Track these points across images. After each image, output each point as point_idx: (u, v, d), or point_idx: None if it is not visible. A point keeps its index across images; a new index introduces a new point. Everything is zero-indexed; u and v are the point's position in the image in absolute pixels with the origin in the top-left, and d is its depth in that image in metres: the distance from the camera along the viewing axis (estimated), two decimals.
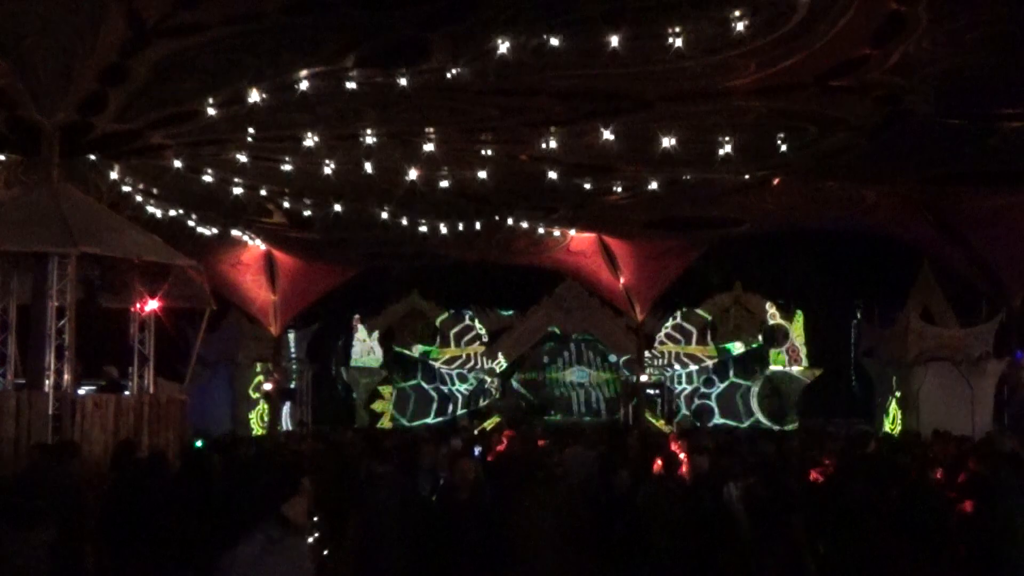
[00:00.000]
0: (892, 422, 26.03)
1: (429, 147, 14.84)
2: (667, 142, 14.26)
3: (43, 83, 11.80)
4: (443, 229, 21.04)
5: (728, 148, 14.65)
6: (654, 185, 17.38)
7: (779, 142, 14.67)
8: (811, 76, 11.65)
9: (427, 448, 11.29)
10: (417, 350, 32.46)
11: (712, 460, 10.37)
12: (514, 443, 13.69)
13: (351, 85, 11.82)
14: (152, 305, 13.68)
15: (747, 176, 17.12)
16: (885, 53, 11.00)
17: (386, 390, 32.49)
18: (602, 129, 13.86)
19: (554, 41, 10.49)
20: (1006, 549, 8.43)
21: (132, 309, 13.92)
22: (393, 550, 8.09)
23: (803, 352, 30.99)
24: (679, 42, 10.44)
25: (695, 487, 9.58)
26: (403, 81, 11.62)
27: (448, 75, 11.41)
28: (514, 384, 32.74)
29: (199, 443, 15.11)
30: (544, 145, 14.77)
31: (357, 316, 32.09)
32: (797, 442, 16.18)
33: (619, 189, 18.05)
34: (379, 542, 8.18)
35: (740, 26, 10.05)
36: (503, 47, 10.60)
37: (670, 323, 31.12)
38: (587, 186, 17.59)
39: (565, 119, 13.69)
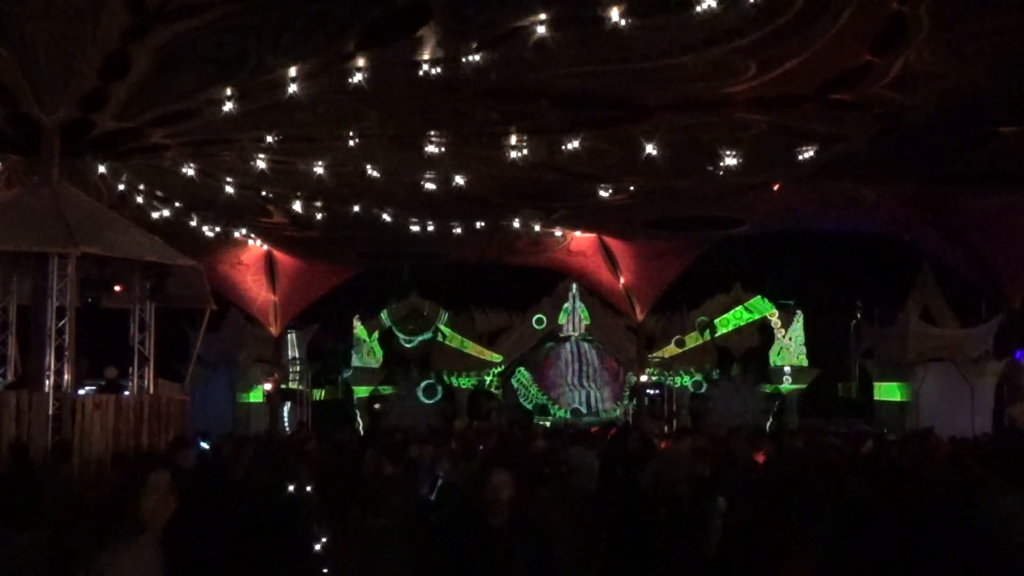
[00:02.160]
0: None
1: (430, 148, 14.83)
2: (666, 154, 14.25)
3: (44, 75, 11.77)
4: (442, 229, 21.05)
5: (728, 161, 14.63)
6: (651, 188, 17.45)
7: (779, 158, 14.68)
8: (812, 86, 11.56)
9: (425, 448, 11.30)
10: (416, 341, 32.44)
11: (714, 469, 10.32)
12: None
13: (352, 80, 11.75)
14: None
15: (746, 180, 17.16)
16: (886, 62, 10.93)
17: (387, 390, 32.52)
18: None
19: (551, 17, 10.33)
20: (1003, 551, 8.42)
21: (132, 309, 13.95)
22: (400, 556, 7.98)
23: (803, 352, 31.01)
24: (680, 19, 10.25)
25: (695, 494, 9.54)
26: (405, 73, 11.52)
27: (449, 67, 11.31)
28: (514, 384, 32.73)
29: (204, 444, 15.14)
30: (545, 152, 14.77)
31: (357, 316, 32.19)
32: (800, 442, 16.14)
33: (619, 191, 18.07)
34: (384, 547, 8.10)
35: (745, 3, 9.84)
36: (502, 24, 10.44)
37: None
38: (587, 187, 17.61)
39: (565, 127, 13.64)
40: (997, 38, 10.43)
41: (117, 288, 13.41)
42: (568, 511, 8.45)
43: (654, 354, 29.79)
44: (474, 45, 10.89)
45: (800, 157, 14.65)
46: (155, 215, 18.51)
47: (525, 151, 14.77)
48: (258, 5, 10.27)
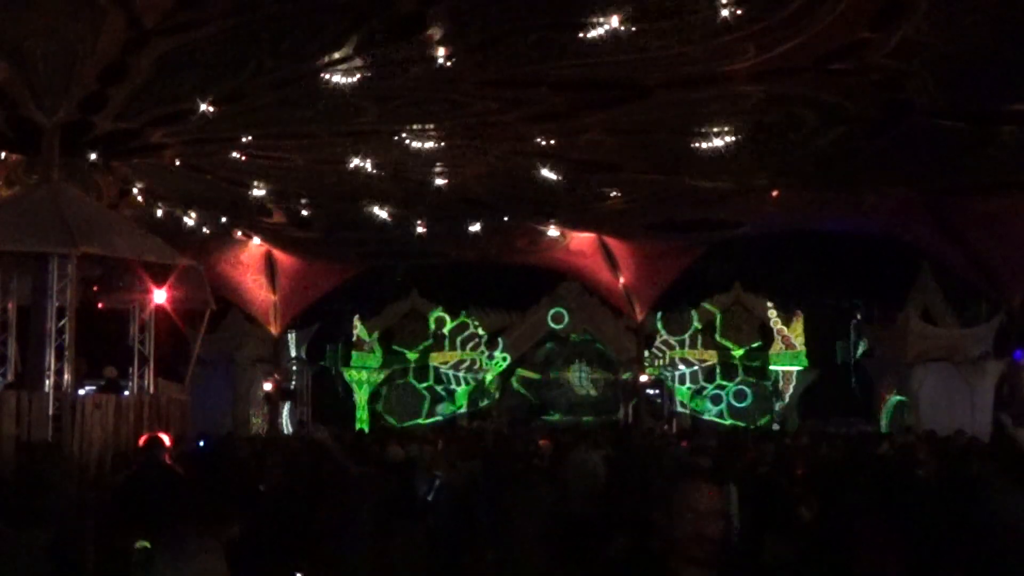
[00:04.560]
0: (890, 422, 26.06)
1: (430, 144, 14.82)
2: (666, 144, 14.24)
3: (44, 82, 11.82)
4: (442, 229, 21.05)
5: (727, 143, 14.59)
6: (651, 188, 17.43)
7: (777, 139, 14.60)
8: (810, 59, 11.64)
9: (423, 447, 11.30)
10: (416, 351, 32.46)
11: (715, 461, 10.36)
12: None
13: (351, 79, 11.78)
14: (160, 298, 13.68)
15: (747, 183, 17.15)
16: (884, 36, 11.00)
17: (387, 391, 32.52)
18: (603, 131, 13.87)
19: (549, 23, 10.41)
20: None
21: (132, 309, 13.95)
22: (362, 551, 7.98)
23: (803, 352, 30.99)
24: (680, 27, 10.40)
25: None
26: (404, 71, 11.56)
27: (448, 63, 11.35)
28: (514, 384, 32.72)
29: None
30: (544, 142, 14.77)
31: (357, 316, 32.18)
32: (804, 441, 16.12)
33: (618, 193, 18.07)
34: (347, 543, 8.10)
35: (736, 12, 10.00)
36: (500, 27, 10.51)
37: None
38: (586, 190, 17.59)
39: (565, 111, 13.63)
40: (995, 11, 10.49)
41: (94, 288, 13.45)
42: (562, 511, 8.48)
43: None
44: (472, 46, 10.95)
45: (803, 137, 14.60)
46: (156, 214, 18.51)
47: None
48: (256, 19, 10.33)
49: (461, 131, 14.58)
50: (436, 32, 10.77)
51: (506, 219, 20.91)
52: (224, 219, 20.63)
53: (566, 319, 31.63)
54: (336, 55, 11.31)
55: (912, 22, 10.62)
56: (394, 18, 10.47)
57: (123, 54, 11.03)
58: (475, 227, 21.16)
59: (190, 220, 19.73)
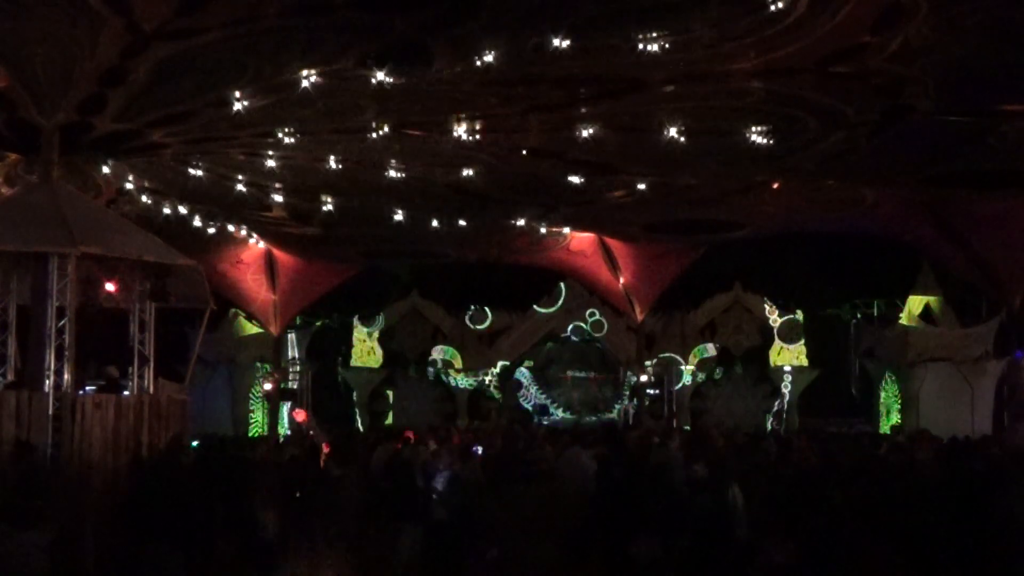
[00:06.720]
0: (891, 422, 26.07)
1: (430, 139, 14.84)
2: (668, 135, 14.26)
3: (43, 86, 11.84)
4: (442, 227, 21.01)
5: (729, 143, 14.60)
6: (651, 184, 17.40)
7: (778, 141, 14.61)
8: (811, 61, 11.70)
9: (421, 446, 11.34)
10: (416, 352, 32.50)
11: (716, 463, 10.35)
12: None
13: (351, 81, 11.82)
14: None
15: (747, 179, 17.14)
16: (884, 40, 11.03)
17: (387, 390, 32.53)
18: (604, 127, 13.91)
19: (556, 42, 10.50)
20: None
21: (132, 309, 13.93)
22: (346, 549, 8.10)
23: (803, 352, 31.00)
24: (679, 41, 10.47)
25: (695, 490, 9.61)
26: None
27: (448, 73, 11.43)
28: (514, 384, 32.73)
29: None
30: (544, 139, 14.77)
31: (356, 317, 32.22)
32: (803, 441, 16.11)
33: (619, 190, 18.05)
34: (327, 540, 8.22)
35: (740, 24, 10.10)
36: (503, 49, 10.61)
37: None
38: (587, 184, 17.55)
39: (565, 104, 13.66)
40: (997, 12, 10.51)
41: (111, 287, 13.40)
42: (557, 511, 8.52)
43: None
44: (475, 60, 11.04)
45: (804, 136, 14.61)
46: (155, 212, 18.48)
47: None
48: (256, 30, 10.37)
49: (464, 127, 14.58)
50: (437, 54, 10.87)
51: (508, 218, 20.89)
52: (224, 217, 20.59)
53: (565, 319, 31.69)
54: (334, 66, 11.38)
55: (913, 26, 10.65)
56: (393, 42, 10.58)
57: (122, 59, 11.06)
58: (475, 226, 21.13)
59: (190, 219, 19.69)
